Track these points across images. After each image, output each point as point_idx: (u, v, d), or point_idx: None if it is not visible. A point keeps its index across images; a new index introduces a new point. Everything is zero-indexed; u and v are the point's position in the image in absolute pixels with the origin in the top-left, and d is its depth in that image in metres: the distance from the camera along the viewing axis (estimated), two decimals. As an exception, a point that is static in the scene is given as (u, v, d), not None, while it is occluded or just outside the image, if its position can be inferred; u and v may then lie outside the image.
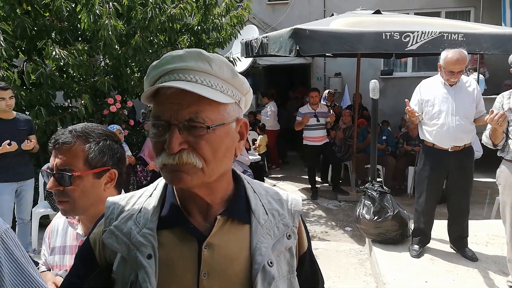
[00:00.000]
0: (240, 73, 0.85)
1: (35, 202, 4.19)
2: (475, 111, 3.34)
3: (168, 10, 5.11)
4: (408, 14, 7.60)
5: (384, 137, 6.36)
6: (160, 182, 0.90)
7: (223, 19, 5.93)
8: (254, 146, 7.10)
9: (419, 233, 3.63)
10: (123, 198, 0.89)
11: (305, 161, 7.28)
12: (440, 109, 3.35)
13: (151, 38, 5.17)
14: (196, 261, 0.79)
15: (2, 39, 4.19)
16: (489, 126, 2.98)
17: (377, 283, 3.42)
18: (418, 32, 4.22)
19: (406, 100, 3.47)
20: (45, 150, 3.39)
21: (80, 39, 5.27)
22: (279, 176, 7.58)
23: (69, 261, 1.33)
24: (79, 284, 0.83)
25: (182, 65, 0.76)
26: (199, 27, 5.76)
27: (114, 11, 4.60)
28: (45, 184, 1.28)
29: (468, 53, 3.38)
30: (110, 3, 4.61)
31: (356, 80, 6.21)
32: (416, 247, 3.61)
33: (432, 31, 4.22)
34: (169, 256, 0.79)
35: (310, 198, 6.06)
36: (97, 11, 4.47)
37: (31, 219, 4.08)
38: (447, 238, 3.68)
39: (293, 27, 4.26)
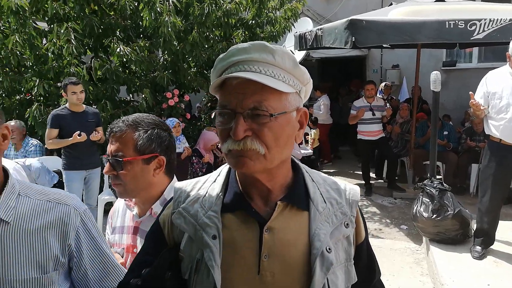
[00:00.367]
0: None
1: (100, 190, 4.50)
2: None
3: (224, 5, 5.23)
4: (474, 0, 7.10)
5: (445, 132, 6.04)
6: (224, 168, 0.95)
7: (277, 12, 5.94)
8: (311, 141, 7.01)
9: (482, 234, 3.44)
10: (189, 183, 0.95)
11: (359, 156, 7.12)
12: (508, 102, 3.13)
13: (207, 33, 5.32)
14: (258, 243, 0.83)
15: (73, 38, 4.54)
16: None
17: (434, 284, 3.30)
18: (485, 19, 3.95)
19: (470, 92, 3.29)
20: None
21: (141, 36, 5.56)
22: (331, 171, 7.47)
23: (126, 240, 1.42)
24: (149, 261, 0.90)
25: (247, 57, 0.80)
26: (253, 21, 5.82)
27: (174, 8, 4.79)
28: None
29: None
30: (170, 0, 4.80)
31: (416, 72, 5.94)
32: (478, 248, 3.43)
33: (501, 19, 3.93)
34: (232, 237, 0.84)
35: (364, 194, 5.90)
36: (158, 9, 4.68)
37: (97, 205, 4.39)
38: (514, 241, 3.46)
39: (349, 18, 4.17)
